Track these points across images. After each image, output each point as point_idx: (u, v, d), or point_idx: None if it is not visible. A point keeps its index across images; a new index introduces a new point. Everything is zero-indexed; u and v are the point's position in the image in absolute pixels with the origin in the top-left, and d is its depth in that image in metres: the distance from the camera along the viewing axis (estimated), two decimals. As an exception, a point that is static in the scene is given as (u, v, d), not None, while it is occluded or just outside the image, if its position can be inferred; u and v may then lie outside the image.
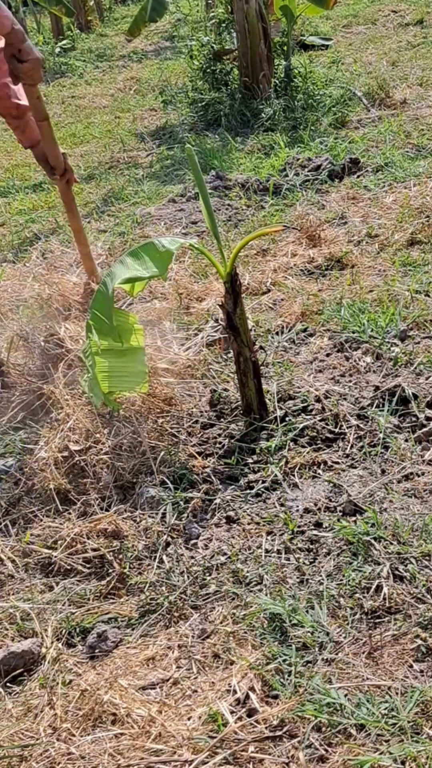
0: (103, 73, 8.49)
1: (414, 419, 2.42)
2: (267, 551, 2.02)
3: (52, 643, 1.86)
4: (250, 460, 2.36)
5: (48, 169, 3.02)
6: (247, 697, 1.64)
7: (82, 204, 4.86)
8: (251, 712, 1.62)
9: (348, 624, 1.79)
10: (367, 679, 1.66)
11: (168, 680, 1.73)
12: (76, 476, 2.34)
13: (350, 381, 2.64)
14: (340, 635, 1.77)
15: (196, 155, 2.97)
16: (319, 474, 2.28)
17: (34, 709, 1.71)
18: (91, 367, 2.42)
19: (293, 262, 3.53)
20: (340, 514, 2.12)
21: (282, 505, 2.18)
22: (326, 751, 1.53)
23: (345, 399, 2.53)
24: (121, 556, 2.07)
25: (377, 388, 2.55)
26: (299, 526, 2.09)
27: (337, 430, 2.42)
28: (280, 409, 2.50)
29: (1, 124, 6.40)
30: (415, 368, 2.63)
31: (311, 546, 2.03)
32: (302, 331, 3.00)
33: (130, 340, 2.47)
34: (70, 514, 2.22)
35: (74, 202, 3.15)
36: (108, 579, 2.02)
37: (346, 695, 1.62)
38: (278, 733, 1.58)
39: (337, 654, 1.72)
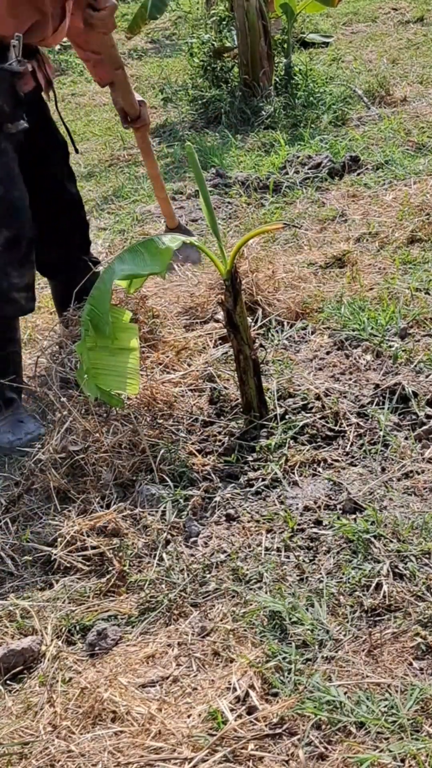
0: (103, 71, 8.47)
1: (414, 417, 2.41)
2: (267, 549, 2.02)
3: (52, 640, 1.86)
4: (250, 458, 2.36)
5: (122, 116, 3.13)
6: (247, 694, 1.64)
7: (82, 202, 4.85)
8: (251, 710, 1.62)
9: (348, 622, 1.79)
10: (367, 676, 1.66)
11: (168, 678, 1.73)
12: (76, 475, 2.33)
13: (350, 379, 2.64)
14: (340, 633, 1.77)
15: (196, 153, 2.97)
16: (319, 472, 2.28)
17: (34, 706, 1.71)
18: (84, 363, 2.38)
19: (293, 259, 3.52)
20: (340, 512, 2.12)
21: (282, 503, 2.18)
22: (326, 748, 1.53)
23: (345, 397, 2.53)
24: (120, 554, 2.06)
25: (377, 386, 2.55)
26: (299, 524, 2.09)
27: (337, 428, 2.42)
28: (280, 407, 2.50)
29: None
30: (415, 366, 2.63)
31: (311, 544, 2.03)
32: (302, 329, 2.99)
33: (123, 338, 2.44)
34: (69, 512, 2.22)
35: (151, 148, 3.30)
36: (108, 577, 2.02)
37: (345, 693, 1.62)
38: (278, 730, 1.57)
39: (336, 652, 1.72)
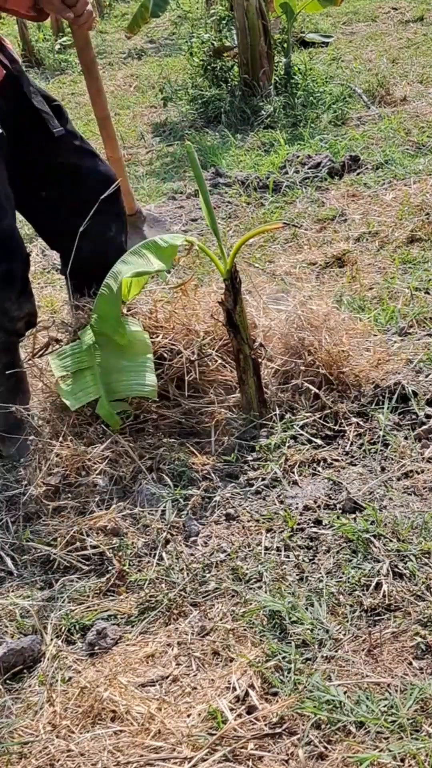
0: (103, 70, 8.47)
1: (414, 417, 2.41)
2: (266, 548, 2.02)
3: (52, 640, 1.86)
4: (249, 458, 2.36)
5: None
6: (247, 694, 1.64)
7: (82, 201, 4.85)
8: (251, 710, 1.62)
9: (347, 621, 1.79)
10: (367, 676, 1.66)
11: (167, 677, 1.73)
12: (71, 491, 2.30)
13: (350, 378, 2.64)
14: (340, 632, 1.77)
15: (196, 152, 2.92)
16: (318, 471, 2.28)
17: (34, 706, 1.71)
18: (89, 372, 2.34)
19: (293, 259, 3.52)
20: (340, 511, 2.12)
21: (281, 502, 2.18)
22: (326, 748, 1.53)
23: (345, 397, 2.53)
24: (120, 554, 2.06)
25: (377, 386, 2.55)
26: (299, 524, 2.09)
27: (336, 427, 2.42)
28: (280, 406, 2.50)
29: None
30: (415, 366, 2.63)
31: (311, 543, 2.03)
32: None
33: (136, 343, 2.40)
34: (69, 512, 2.22)
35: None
36: (107, 576, 2.02)
37: (345, 692, 1.62)
38: (278, 730, 1.57)
39: (336, 651, 1.72)
